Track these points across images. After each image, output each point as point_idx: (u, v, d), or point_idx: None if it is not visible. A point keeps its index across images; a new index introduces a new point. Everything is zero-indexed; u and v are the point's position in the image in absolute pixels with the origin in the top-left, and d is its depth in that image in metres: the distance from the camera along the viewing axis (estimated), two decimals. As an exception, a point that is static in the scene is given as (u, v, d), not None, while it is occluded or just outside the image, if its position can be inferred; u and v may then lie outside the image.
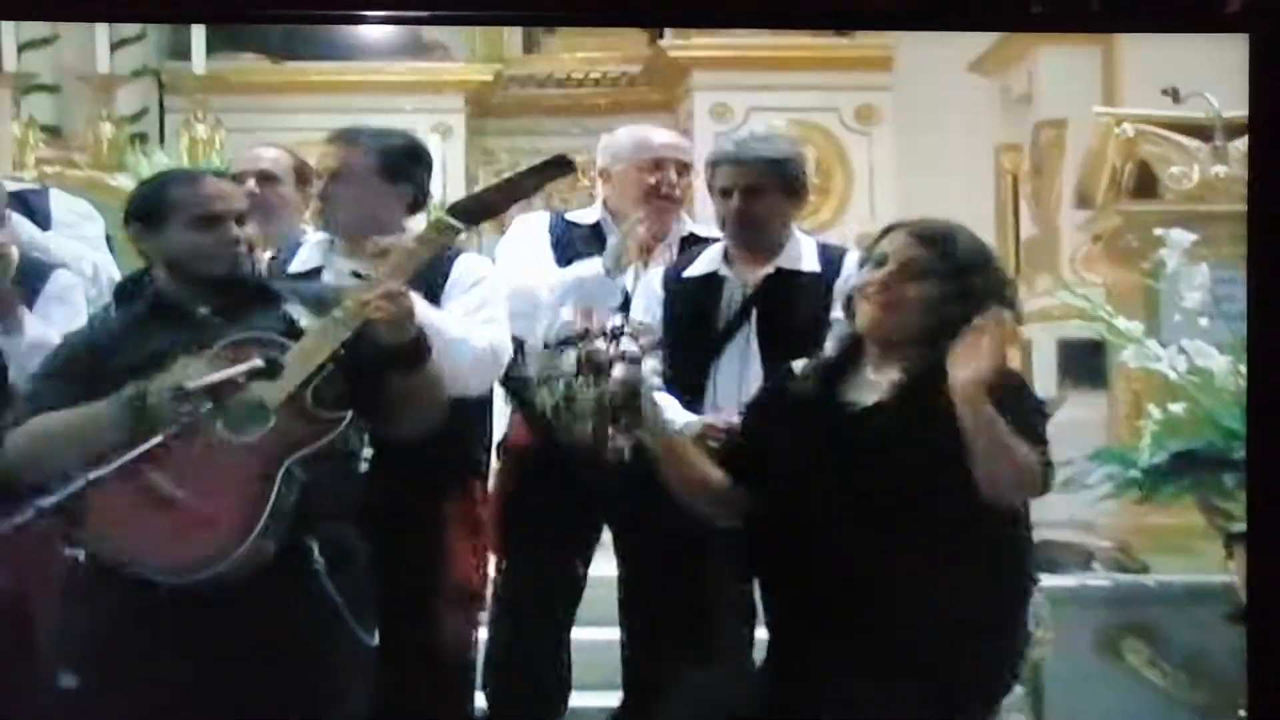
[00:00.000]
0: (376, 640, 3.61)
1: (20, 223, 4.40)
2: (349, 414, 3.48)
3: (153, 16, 5.84)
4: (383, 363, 3.57)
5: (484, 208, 3.81)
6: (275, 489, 3.41)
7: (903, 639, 3.26)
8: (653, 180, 4.61)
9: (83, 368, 3.67)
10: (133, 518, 3.41)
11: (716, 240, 4.53)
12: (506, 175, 3.82)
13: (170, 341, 3.56)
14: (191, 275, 3.68)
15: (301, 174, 4.65)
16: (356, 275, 3.91)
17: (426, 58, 8.13)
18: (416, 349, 3.61)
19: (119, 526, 3.43)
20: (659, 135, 4.79)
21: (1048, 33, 6.60)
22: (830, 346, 3.59)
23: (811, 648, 3.36)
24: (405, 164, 4.24)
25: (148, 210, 3.74)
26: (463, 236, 3.83)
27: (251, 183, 4.63)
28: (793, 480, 3.38)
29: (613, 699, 4.63)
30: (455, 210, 3.75)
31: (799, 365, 3.54)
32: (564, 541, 4.57)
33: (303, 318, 3.60)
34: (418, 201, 4.27)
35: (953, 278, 3.36)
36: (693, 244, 4.61)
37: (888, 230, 3.48)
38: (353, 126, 4.34)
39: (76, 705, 3.54)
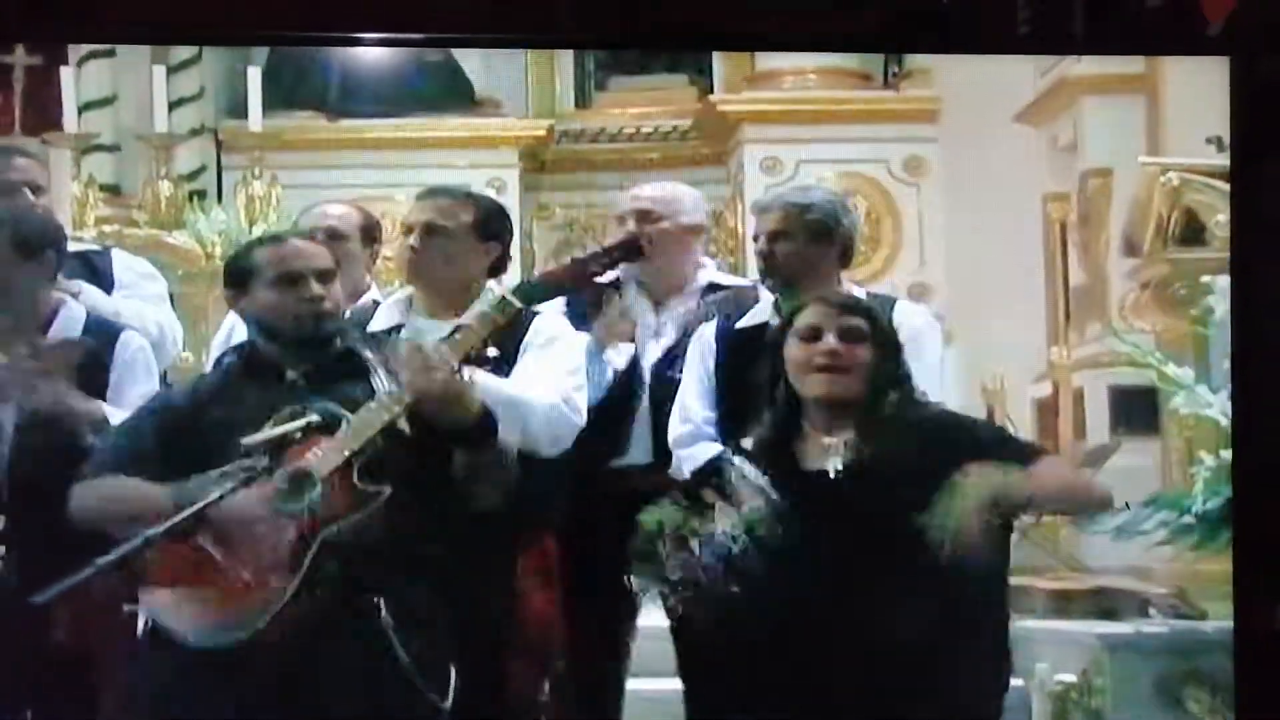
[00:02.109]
0: (449, 702, 3.61)
1: (88, 291, 4.46)
2: (387, 491, 3.49)
3: (141, 38, 5.81)
4: (448, 441, 3.61)
5: (548, 289, 3.90)
6: (310, 558, 3.45)
7: (889, 685, 3.42)
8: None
9: (171, 424, 3.74)
10: (179, 577, 3.47)
11: (742, 287, 4.63)
12: (573, 257, 3.84)
13: (260, 404, 3.62)
14: (277, 335, 3.75)
15: (368, 231, 4.69)
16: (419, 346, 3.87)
17: (480, 113, 8.18)
18: (479, 428, 3.64)
19: (167, 585, 3.50)
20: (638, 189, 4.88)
21: (1035, 55, 6.63)
22: (766, 419, 3.69)
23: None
24: (496, 223, 4.30)
25: (237, 272, 3.84)
26: None
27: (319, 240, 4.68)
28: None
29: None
30: (519, 291, 3.82)
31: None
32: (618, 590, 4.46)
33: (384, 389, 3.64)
34: (501, 262, 4.31)
35: (881, 340, 3.62)
36: (712, 291, 4.68)
37: (802, 305, 3.70)
38: (443, 185, 4.43)
39: None
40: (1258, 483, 3.67)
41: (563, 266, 3.88)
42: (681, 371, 4.55)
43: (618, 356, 4.60)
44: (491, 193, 5.34)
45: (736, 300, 4.67)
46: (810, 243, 4.40)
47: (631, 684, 4.73)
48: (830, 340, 3.59)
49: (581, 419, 4.16)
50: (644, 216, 4.68)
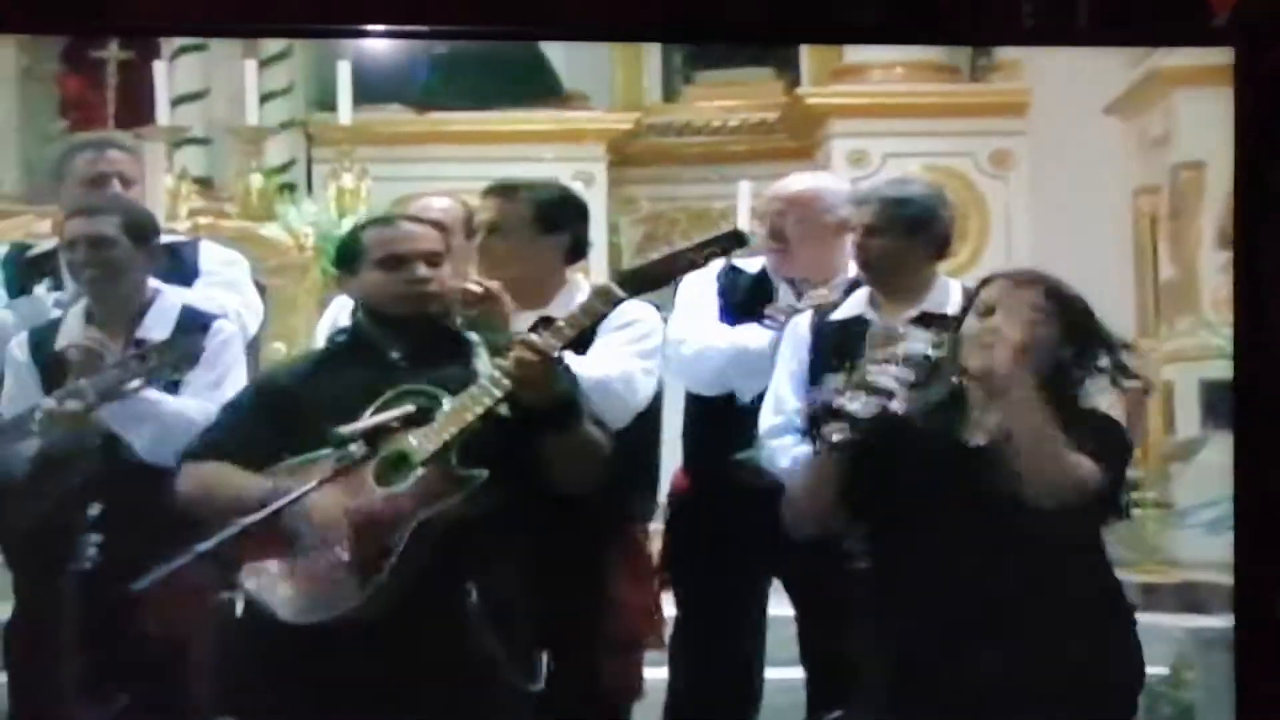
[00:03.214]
0: (540, 685, 3.64)
1: (171, 291, 4.49)
2: (485, 474, 3.50)
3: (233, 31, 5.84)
4: (536, 424, 3.61)
5: (649, 279, 3.86)
6: (405, 541, 3.46)
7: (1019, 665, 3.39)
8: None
9: (273, 402, 3.78)
10: (274, 556, 3.51)
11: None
12: (676, 247, 3.84)
13: (362, 383, 3.64)
14: (382, 316, 3.77)
15: (470, 224, 4.69)
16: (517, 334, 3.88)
17: (567, 107, 8.20)
18: (566, 411, 3.64)
19: (262, 564, 3.53)
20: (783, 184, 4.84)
21: (1047, 46, 6.57)
22: (937, 387, 3.67)
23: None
24: (559, 214, 4.30)
25: (346, 254, 3.89)
26: None
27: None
28: (911, 511, 3.48)
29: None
30: (622, 280, 3.80)
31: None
32: (736, 586, 4.57)
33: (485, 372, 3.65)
34: (577, 250, 4.33)
35: (1058, 323, 3.52)
36: (857, 286, 4.61)
37: (987, 280, 3.62)
38: (507, 179, 4.42)
39: None
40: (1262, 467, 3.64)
41: (666, 256, 3.86)
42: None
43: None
44: (579, 186, 5.32)
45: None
46: (906, 237, 4.36)
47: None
48: (991, 321, 3.53)
49: (637, 398, 4.18)
50: (787, 210, 4.67)
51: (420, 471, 3.50)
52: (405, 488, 3.50)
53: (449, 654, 3.53)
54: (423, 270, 3.76)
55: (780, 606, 4.65)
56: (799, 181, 4.81)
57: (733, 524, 4.41)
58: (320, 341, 4.40)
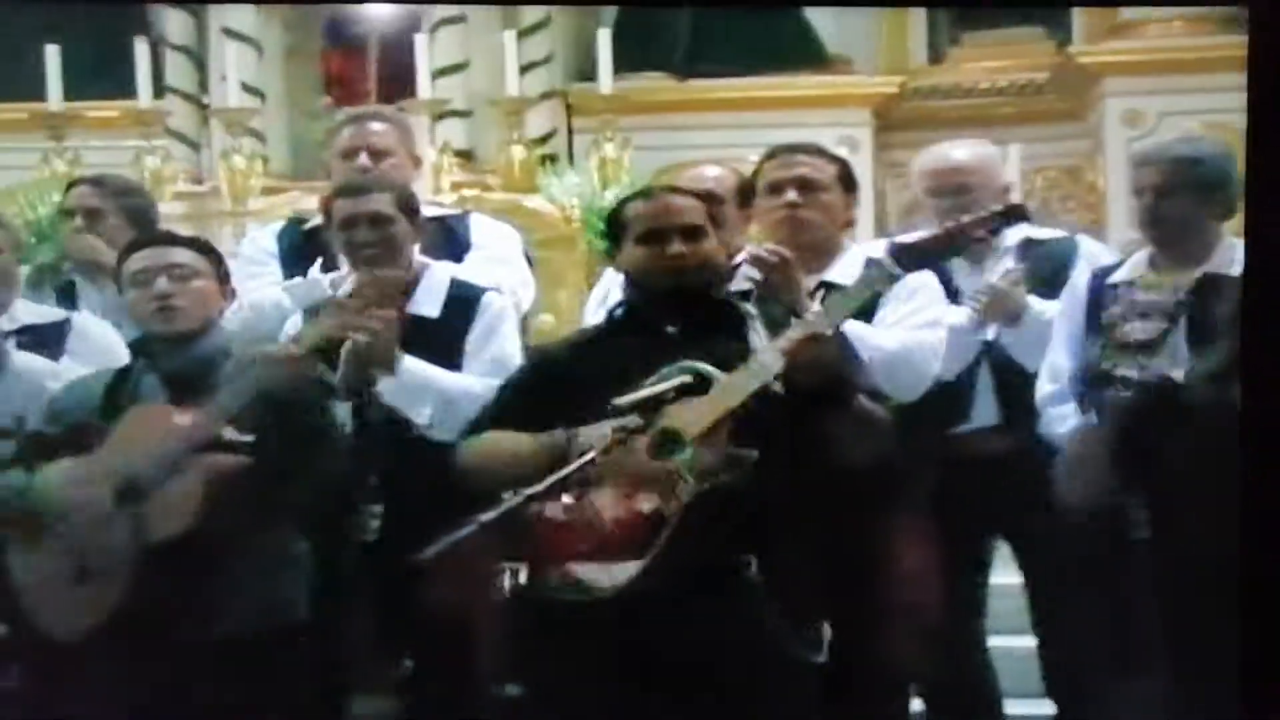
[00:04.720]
0: (822, 657, 3.58)
1: (439, 266, 4.47)
2: (755, 454, 3.44)
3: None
4: (811, 402, 3.53)
5: (925, 255, 3.80)
6: (678, 517, 3.42)
7: None
8: None
9: (550, 377, 3.78)
10: (548, 531, 3.47)
11: (1058, 238, 4.59)
12: (952, 222, 3.76)
13: (637, 357, 3.60)
14: (651, 289, 3.73)
15: (744, 192, 4.60)
16: (793, 313, 3.85)
17: (832, 71, 8.09)
18: (841, 389, 3.56)
19: (539, 539, 3.50)
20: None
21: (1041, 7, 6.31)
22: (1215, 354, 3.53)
23: None
24: (854, 177, 4.39)
25: (610, 228, 3.87)
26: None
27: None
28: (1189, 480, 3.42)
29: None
30: (897, 256, 3.73)
31: None
32: (960, 557, 4.54)
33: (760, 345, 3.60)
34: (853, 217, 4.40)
35: None
36: (1030, 247, 4.59)
37: None
38: (798, 141, 4.47)
39: (520, 714, 3.66)
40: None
41: (944, 231, 3.77)
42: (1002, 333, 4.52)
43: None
44: (844, 152, 5.25)
45: (1049, 254, 4.64)
46: (1198, 197, 4.24)
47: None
48: None
49: (932, 367, 4.19)
50: (956, 178, 4.62)
51: (692, 449, 3.45)
52: (677, 463, 3.45)
53: (728, 626, 3.49)
54: (677, 246, 3.69)
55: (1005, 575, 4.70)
56: (962, 150, 4.77)
57: (954, 495, 4.41)
58: (591, 315, 4.39)
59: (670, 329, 3.67)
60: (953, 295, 4.50)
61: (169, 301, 3.89)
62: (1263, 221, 3.30)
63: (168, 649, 3.71)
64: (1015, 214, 3.80)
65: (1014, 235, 4.51)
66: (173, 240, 4.09)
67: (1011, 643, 4.79)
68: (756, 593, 3.49)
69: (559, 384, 3.71)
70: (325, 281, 4.47)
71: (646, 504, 3.45)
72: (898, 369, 4.04)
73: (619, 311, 3.86)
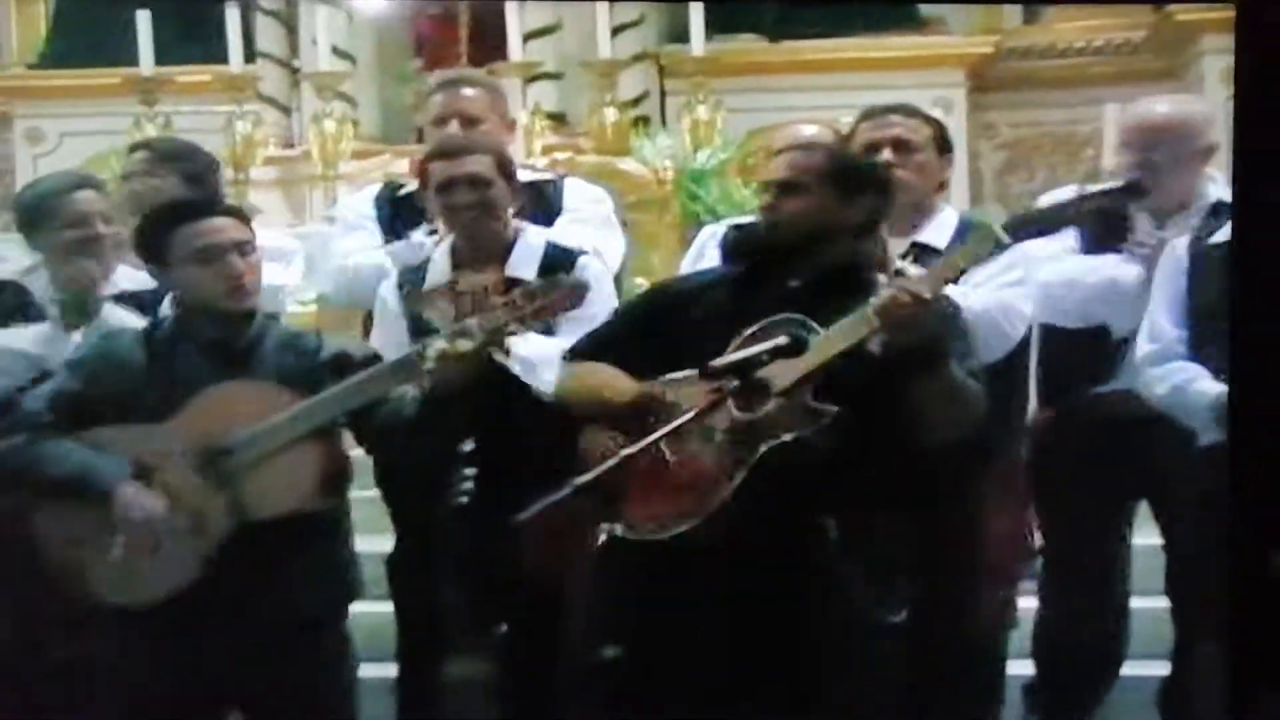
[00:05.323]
0: (902, 617, 3.57)
1: (533, 229, 4.45)
2: (835, 410, 3.42)
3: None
4: (903, 364, 3.48)
5: (1036, 225, 3.81)
6: (748, 468, 3.41)
7: None
8: None
9: (664, 308, 3.77)
10: (633, 477, 3.47)
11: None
12: (1069, 196, 3.71)
13: (751, 306, 3.57)
14: (776, 242, 3.71)
15: None
16: (898, 273, 3.81)
17: (924, 33, 8.02)
18: (933, 354, 3.50)
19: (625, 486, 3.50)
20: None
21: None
22: None
23: None
24: (948, 138, 4.30)
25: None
26: None
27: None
28: None
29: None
30: (1008, 225, 3.69)
31: None
32: (1101, 512, 4.49)
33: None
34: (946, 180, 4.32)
35: None
36: (1221, 210, 4.40)
37: None
38: (891, 103, 4.36)
39: (617, 674, 3.61)
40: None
41: (1055, 205, 3.73)
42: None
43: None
44: (938, 113, 5.19)
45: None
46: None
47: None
48: None
49: (1018, 329, 4.11)
50: (1155, 137, 4.44)
51: (775, 401, 3.43)
52: (759, 414, 3.44)
53: (807, 584, 3.48)
54: (767, 199, 3.73)
55: (1145, 536, 4.59)
56: (1166, 106, 4.59)
57: (1099, 455, 4.34)
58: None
59: (793, 282, 3.64)
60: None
61: (242, 280, 3.87)
62: (1252, 204, 3.28)
63: (242, 627, 3.72)
64: (1133, 190, 3.76)
65: (1212, 193, 4.42)
66: (226, 212, 4.00)
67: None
68: (836, 554, 3.48)
69: (671, 320, 3.70)
70: (429, 244, 4.47)
71: (723, 454, 3.45)
72: (983, 329, 3.99)
73: (748, 260, 3.82)
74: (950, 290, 3.88)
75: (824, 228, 3.71)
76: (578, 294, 3.78)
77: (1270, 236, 3.28)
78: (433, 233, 4.49)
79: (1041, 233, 3.92)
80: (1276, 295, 3.26)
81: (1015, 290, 4.13)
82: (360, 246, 4.65)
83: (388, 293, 4.31)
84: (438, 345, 3.70)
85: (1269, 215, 3.26)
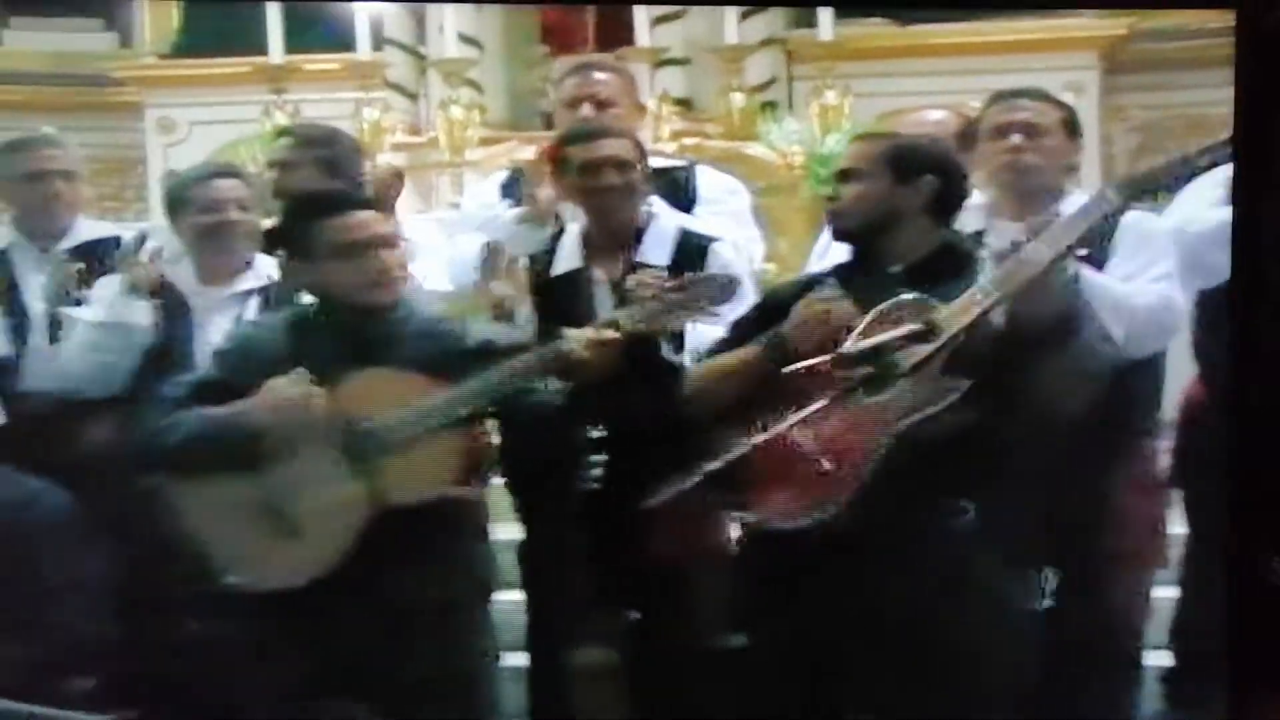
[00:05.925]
0: (1046, 604, 3.66)
1: (666, 214, 4.44)
2: (964, 384, 3.44)
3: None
4: (1030, 338, 3.50)
5: (1149, 184, 3.77)
6: (885, 449, 3.43)
7: None
8: None
9: (771, 315, 3.79)
10: (763, 467, 3.51)
11: None
12: (1180, 154, 3.68)
13: (859, 294, 3.61)
14: (878, 229, 3.72)
15: (965, 137, 4.53)
16: (1015, 244, 3.80)
17: (1057, 14, 7.90)
18: (1063, 327, 3.51)
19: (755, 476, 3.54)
20: None
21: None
22: None
23: None
24: (1079, 122, 4.31)
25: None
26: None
27: None
28: None
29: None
30: (1121, 184, 3.71)
31: None
32: None
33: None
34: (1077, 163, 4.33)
35: None
36: None
37: None
38: (1022, 87, 4.38)
39: (744, 662, 3.70)
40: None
41: (1165, 164, 3.71)
42: None
43: None
44: (1069, 96, 5.14)
45: None
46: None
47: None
48: None
49: (1181, 323, 4.13)
50: None
51: (903, 382, 3.45)
52: (888, 397, 3.47)
53: (943, 570, 3.50)
54: (841, 188, 3.78)
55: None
56: None
57: None
58: (814, 263, 4.35)
59: (895, 268, 3.64)
60: None
61: (385, 275, 3.88)
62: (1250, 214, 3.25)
63: (378, 613, 3.75)
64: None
65: None
66: (365, 205, 4.06)
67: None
68: (973, 537, 3.50)
69: (778, 321, 3.71)
70: (509, 216, 4.52)
71: (855, 438, 3.48)
72: (1150, 327, 3.97)
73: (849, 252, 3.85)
74: (1119, 288, 3.86)
75: (884, 211, 3.70)
76: (730, 289, 3.79)
77: (1271, 236, 3.27)
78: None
79: (1154, 191, 3.88)
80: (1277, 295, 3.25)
81: (1167, 284, 4.09)
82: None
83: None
84: (586, 334, 3.71)
85: (1269, 215, 3.24)
